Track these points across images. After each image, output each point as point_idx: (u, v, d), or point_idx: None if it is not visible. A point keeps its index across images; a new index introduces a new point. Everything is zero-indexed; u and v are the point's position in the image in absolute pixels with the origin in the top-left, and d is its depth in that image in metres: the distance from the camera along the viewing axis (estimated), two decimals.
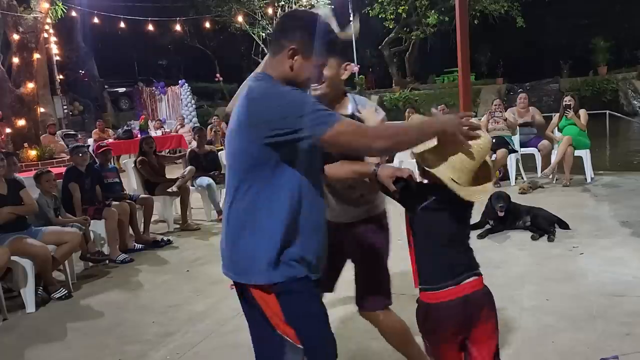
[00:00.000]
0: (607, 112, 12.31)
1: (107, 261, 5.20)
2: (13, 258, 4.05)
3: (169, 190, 6.41)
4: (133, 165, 6.70)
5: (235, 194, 1.72)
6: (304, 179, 1.70)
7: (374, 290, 2.35)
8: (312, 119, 1.60)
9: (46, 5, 9.94)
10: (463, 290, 1.83)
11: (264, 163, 1.65)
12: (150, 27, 15.46)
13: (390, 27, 21.27)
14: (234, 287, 1.81)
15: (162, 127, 14.64)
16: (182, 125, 14.79)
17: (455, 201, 1.77)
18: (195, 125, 13.46)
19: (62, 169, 6.85)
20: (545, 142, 7.52)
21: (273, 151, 1.63)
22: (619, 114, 13.19)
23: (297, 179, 1.68)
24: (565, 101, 7.32)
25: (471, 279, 1.86)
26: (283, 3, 17.63)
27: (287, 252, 1.69)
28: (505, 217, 5.04)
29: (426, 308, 1.86)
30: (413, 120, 2.16)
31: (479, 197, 1.82)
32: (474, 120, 1.81)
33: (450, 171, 1.76)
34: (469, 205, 1.87)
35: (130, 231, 5.70)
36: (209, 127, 11.63)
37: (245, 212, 1.70)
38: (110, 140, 11.95)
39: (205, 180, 6.69)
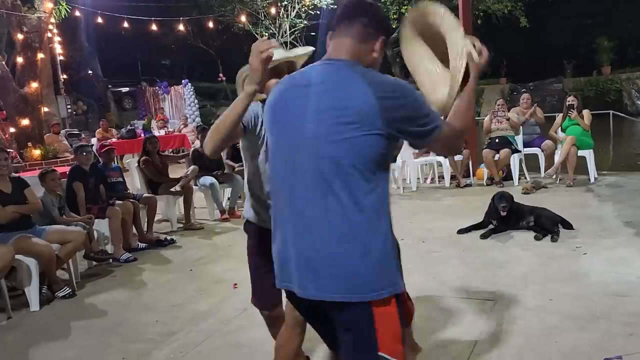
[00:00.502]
0: (611, 112, 12.29)
1: (111, 260, 5.21)
2: (17, 257, 4.07)
3: (172, 189, 6.42)
4: (136, 164, 6.72)
5: (351, 197, 1.47)
6: None
7: None
8: (432, 118, 1.54)
9: (50, 5, 9.97)
10: None
11: (384, 158, 1.52)
12: (154, 27, 15.49)
13: (393, 26, 21.25)
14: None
15: (166, 126, 14.68)
16: (186, 125, 14.83)
17: None
18: (199, 125, 13.50)
19: (66, 168, 6.88)
20: (548, 142, 7.51)
21: (387, 144, 1.51)
22: (622, 114, 13.17)
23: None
24: (569, 101, 7.30)
25: None
26: (286, 3, 17.64)
27: None
28: (509, 217, 5.04)
29: None
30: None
31: None
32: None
33: None
34: None
35: (134, 230, 5.72)
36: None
37: (372, 217, 1.49)
38: (114, 140, 11.98)
39: (208, 179, 6.71)
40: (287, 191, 1.58)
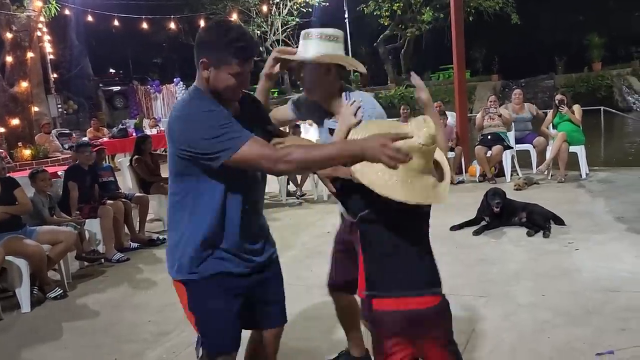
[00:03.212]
0: (602, 108, 12.33)
1: (103, 260, 5.18)
2: (8, 258, 4.03)
3: (164, 188, 6.39)
4: (128, 164, 6.68)
5: None
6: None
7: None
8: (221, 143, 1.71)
9: (39, 4, 9.90)
10: (408, 304, 1.70)
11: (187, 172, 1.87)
12: (144, 25, 15.40)
13: (385, 24, 21.29)
14: None
15: (157, 125, 14.60)
16: None
17: (398, 207, 1.60)
18: None
19: (57, 168, 6.83)
20: (540, 138, 7.53)
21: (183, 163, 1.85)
22: (613, 110, 13.22)
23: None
24: (557, 98, 7.35)
25: (424, 296, 1.73)
26: (278, 0, 17.60)
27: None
28: (501, 213, 5.05)
29: (371, 312, 1.76)
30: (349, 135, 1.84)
31: (428, 199, 1.63)
32: (401, 143, 1.56)
33: (375, 172, 1.60)
34: (419, 211, 1.72)
35: (126, 230, 5.69)
36: None
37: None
38: (105, 139, 11.91)
39: None
40: None
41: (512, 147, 7.49)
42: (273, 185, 7.35)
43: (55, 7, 10.86)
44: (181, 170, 1.85)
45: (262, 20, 18.37)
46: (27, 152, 9.06)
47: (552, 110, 7.50)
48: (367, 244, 1.78)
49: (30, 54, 9.96)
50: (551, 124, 7.43)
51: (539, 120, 7.84)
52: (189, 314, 1.97)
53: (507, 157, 7.39)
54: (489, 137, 7.46)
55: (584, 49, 20.82)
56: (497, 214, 5.05)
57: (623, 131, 14.66)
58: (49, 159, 9.13)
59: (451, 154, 7.61)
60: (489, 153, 7.37)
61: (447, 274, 4.12)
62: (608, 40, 20.74)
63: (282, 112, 2.51)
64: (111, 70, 21.37)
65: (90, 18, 14.43)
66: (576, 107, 7.26)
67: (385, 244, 1.73)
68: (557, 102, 7.27)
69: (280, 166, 1.72)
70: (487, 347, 2.88)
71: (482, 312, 3.31)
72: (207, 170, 1.78)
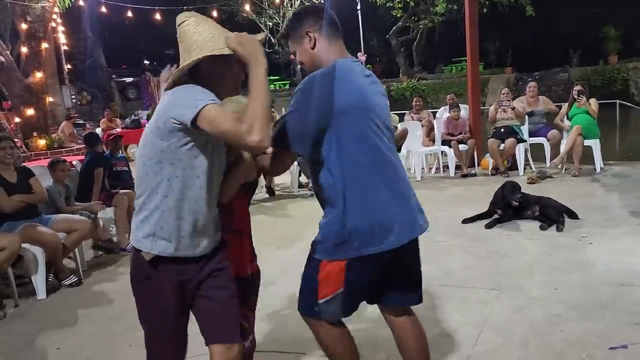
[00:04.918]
0: (618, 101, 12.20)
1: (116, 250, 5.22)
2: (24, 245, 4.10)
3: None
4: None
5: None
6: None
7: None
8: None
9: None
10: None
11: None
12: (158, 17, 15.42)
13: (398, 15, 21.08)
14: None
15: None
16: None
17: None
18: None
19: (72, 158, 6.90)
20: (554, 131, 7.47)
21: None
22: (629, 104, 13.06)
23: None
24: (576, 89, 7.25)
25: None
26: None
27: None
28: (514, 206, 5.03)
29: None
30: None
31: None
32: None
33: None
34: None
35: None
36: None
37: None
38: (119, 130, 11.98)
39: None
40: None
41: (525, 141, 7.43)
42: (284, 176, 7.37)
43: None
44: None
45: (275, 12, 18.29)
46: (41, 142, 9.17)
47: (566, 103, 7.42)
48: None
49: (44, 45, 10.04)
50: (566, 116, 7.35)
51: (552, 114, 7.77)
52: None
53: (520, 151, 7.33)
54: (502, 130, 7.40)
55: (600, 42, 20.50)
56: (509, 207, 5.03)
57: (638, 125, 14.48)
58: (63, 149, 9.23)
59: (464, 147, 7.57)
60: (502, 146, 7.32)
61: (459, 266, 4.15)
62: (624, 32, 20.40)
63: None
64: (147, 63, 21.32)
65: (103, 9, 14.48)
66: (592, 101, 7.16)
67: None
68: (575, 92, 7.17)
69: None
70: (499, 339, 2.88)
71: (494, 305, 3.30)
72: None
